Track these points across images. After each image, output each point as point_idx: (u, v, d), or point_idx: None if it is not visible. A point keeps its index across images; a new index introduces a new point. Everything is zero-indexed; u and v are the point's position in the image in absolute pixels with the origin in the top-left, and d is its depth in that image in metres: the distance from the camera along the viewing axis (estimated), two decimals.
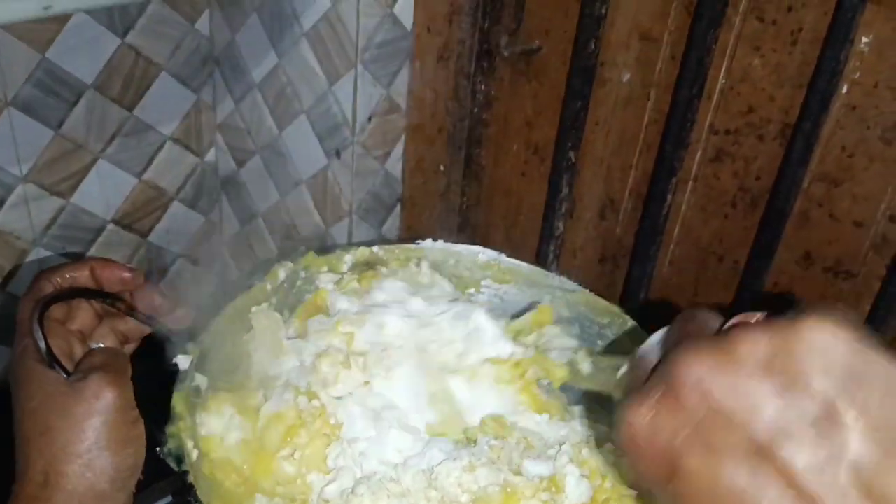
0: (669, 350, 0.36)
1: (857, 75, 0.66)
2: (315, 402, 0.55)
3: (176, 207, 1.10)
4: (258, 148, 1.02)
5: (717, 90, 0.74)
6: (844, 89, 0.67)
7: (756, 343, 0.31)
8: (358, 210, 0.95)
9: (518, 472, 0.56)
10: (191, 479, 0.50)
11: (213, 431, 0.52)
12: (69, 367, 0.50)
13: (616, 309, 0.69)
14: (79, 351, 0.53)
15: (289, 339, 0.59)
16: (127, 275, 0.54)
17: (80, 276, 0.54)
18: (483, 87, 0.87)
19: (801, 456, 0.30)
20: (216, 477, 0.51)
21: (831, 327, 0.31)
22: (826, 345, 0.31)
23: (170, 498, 0.67)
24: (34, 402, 0.48)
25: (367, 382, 0.57)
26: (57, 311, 0.52)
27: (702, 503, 0.32)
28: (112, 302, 0.54)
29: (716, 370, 0.32)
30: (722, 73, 0.73)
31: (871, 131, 0.67)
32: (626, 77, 0.81)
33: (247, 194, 1.09)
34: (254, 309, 0.59)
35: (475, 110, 0.89)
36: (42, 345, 0.49)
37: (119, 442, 0.48)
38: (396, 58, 0.87)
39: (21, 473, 0.48)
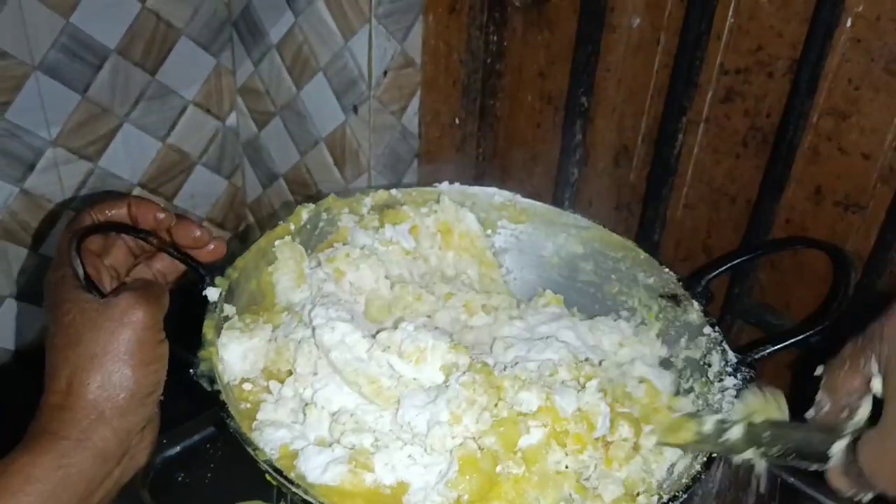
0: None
1: (860, 8, 0.67)
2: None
3: (199, 171, 1.12)
4: (277, 109, 1.05)
5: (725, 29, 0.75)
6: (849, 23, 0.68)
7: None
8: (376, 165, 0.97)
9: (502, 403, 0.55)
10: (222, 397, 0.53)
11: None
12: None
13: (629, 243, 0.70)
14: (111, 285, 0.56)
15: (310, 269, 0.61)
16: (161, 214, 0.57)
17: (118, 212, 0.57)
18: (495, 38, 0.89)
19: None
20: (232, 393, 0.55)
21: None
22: None
23: (212, 429, 0.71)
24: (68, 317, 0.50)
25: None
26: (94, 243, 0.55)
27: None
28: (146, 237, 0.57)
29: None
30: (730, 12, 0.74)
31: (875, 63, 0.68)
32: (635, 22, 0.82)
33: (268, 156, 1.11)
34: (277, 242, 0.62)
35: (488, 61, 0.90)
36: (80, 271, 0.52)
37: (142, 359, 0.50)
38: (410, 11, 0.88)
39: (47, 382, 0.50)
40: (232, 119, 1.12)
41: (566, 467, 0.53)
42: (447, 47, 0.91)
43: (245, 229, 1.21)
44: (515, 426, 0.52)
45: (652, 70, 0.83)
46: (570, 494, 0.53)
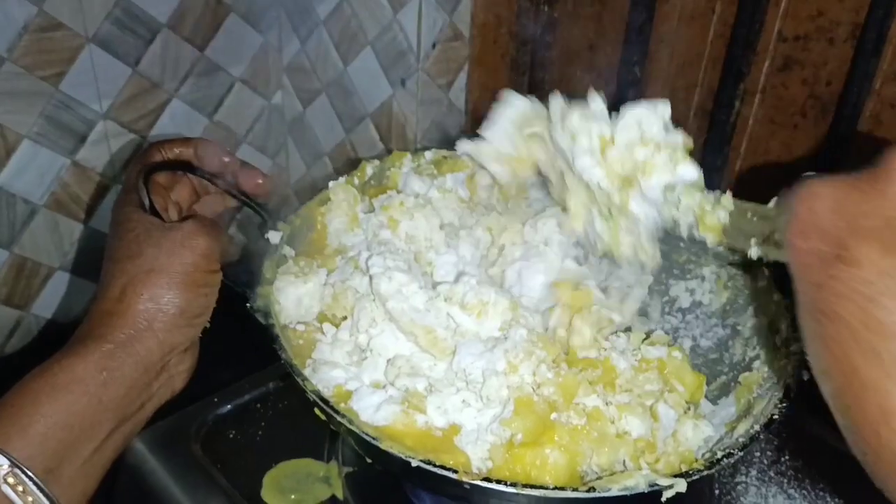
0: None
1: None
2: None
3: (244, 150, 1.13)
4: (324, 86, 1.05)
5: None
6: None
7: None
8: (422, 140, 0.97)
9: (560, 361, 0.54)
10: (276, 330, 0.54)
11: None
12: None
13: None
14: (175, 217, 0.57)
15: (364, 213, 0.61)
16: (226, 157, 0.58)
17: (185, 152, 0.58)
18: (546, 9, 0.88)
19: None
20: (287, 334, 0.56)
21: None
22: None
23: (263, 389, 0.71)
24: (132, 233, 0.53)
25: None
26: (162, 178, 0.57)
27: (858, 296, 0.31)
28: (211, 179, 0.58)
29: None
30: None
31: None
32: None
33: (313, 135, 1.11)
34: (331, 183, 0.62)
35: (538, 34, 0.90)
36: (146, 200, 0.53)
37: (195, 283, 0.52)
38: None
39: (100, 291, 0.52)
40: (278, 97, 1.12)
41: (628, 433, 0.52)
42: (496, 19, 0.90)
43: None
44: (575, 378, 0.51)
45: (706, 40, 0.81)
46: (625, 461, 0.52)
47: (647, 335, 0.62)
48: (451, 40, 0.91)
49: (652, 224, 0.54)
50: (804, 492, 0.64)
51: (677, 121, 0.85)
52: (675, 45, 0.83)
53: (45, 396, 0.48)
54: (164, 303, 0.51)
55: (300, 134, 1.13)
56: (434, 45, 0.90)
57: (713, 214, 0.51)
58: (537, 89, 0.94)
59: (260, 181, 0.59)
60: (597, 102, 0.54)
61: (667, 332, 0.65)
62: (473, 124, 0.98)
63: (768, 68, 0.77)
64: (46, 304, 1.00)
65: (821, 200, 0.34)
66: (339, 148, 1.08)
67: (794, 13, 0.74)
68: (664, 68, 0.85)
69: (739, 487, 0.65)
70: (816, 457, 0.68)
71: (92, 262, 1.02)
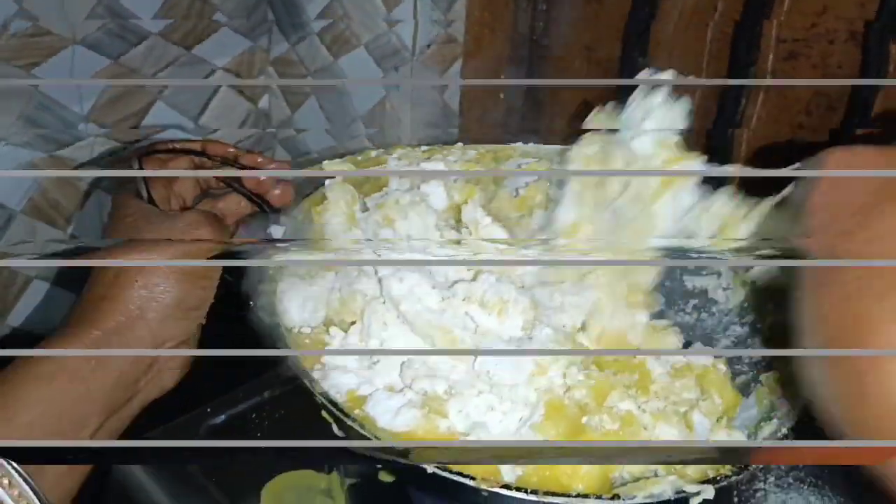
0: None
1: None
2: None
3: None
4: (313, 88, 1.02)
5: None
6: None
7: None
8: (413, 141, 0.95)
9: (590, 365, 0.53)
10: (281, 329, 0.53)
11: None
12: None
13: None
14: (176, 209, 0.55)
15: (362, 211, 0.59)
16: (231, 149, 0.56)
17: (192, 146, 0.57)
18: (545, 8, 0.86)
19: None
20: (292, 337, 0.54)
21: None
22: None
23: (258, 398, 0.68)
24: (129, 219, 0.50)
25: None
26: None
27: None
28: (219, 161, 0.55)
29: None
30: None
31: None
32: None
33: (301, 139, 1.09)
34: (327, 182, 0.60)
35: (534, 35, 0.88)
36: (143, 188, 0.51)
37: (194, 274, 0.50)
38: None
39: (93, 277, 0.50)
40: (264, 101, 1.10)
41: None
42: (492, 18, 0.88)
43: None
44: (608, 381, 0.49)
45: (705, 41, 0.80)
46: (657, 469, 0.50)
47: None
48: (446, 41, 0.89)
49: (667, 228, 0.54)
50: (825, 498, 0.62)
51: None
52: (673, 47, 0.82)
53: (31, 384, 0.45)
54: (158, 291, 0.49)
55: (288, 138, 1.11)
56: (429, 46, 0.88)
57: (736, 227, 0.52)
58: (532, 90, 0.92)
59: (278, 192, 0.56)
60: None
61: (682, 330, 0.63)
62: (468, 125, 0.96)
63: (773, 63, 0.76)
64: (23, 314, 0.96)
65: (848, 162, 0.37)
66: (328, 151, 1.05)
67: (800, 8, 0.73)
68: (663, 68, 0.83)
69: (759, 495, 0.63)
70: None
71: (71, 271, 0.98)
